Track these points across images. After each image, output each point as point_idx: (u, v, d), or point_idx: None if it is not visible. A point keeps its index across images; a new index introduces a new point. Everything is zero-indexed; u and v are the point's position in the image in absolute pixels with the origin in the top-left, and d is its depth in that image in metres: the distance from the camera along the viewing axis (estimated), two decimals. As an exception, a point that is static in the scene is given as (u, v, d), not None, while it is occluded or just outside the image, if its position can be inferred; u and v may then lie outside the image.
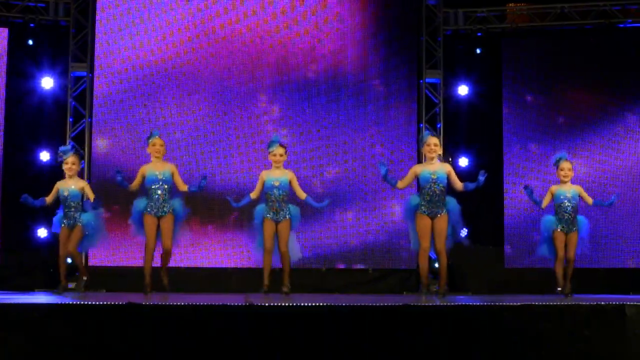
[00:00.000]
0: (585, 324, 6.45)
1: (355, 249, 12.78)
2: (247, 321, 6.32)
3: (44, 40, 12.88)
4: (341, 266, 12.79)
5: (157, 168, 9.40)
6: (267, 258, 9.42)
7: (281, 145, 9.55)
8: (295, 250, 9.69)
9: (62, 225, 9.63)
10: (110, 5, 12.68)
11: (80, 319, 6.25)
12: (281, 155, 9.50)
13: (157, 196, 9.32)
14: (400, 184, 9.31)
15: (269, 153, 9.59)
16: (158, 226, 9.36)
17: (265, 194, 9.47)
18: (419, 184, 9.19)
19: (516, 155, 13.05)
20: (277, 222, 9.42)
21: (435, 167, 9.11)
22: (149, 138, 9.54)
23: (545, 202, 9.95)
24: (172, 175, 9.44)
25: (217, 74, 12.81)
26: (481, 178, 9.10)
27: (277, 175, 9.48)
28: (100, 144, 12.64)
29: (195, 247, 12.47)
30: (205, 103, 12.78)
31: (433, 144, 9.16)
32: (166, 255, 9.45)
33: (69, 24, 12.74)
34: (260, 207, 9.52)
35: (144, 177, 9.42)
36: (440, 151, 9.30)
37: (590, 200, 9.95)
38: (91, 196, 9.72)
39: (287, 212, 9.46)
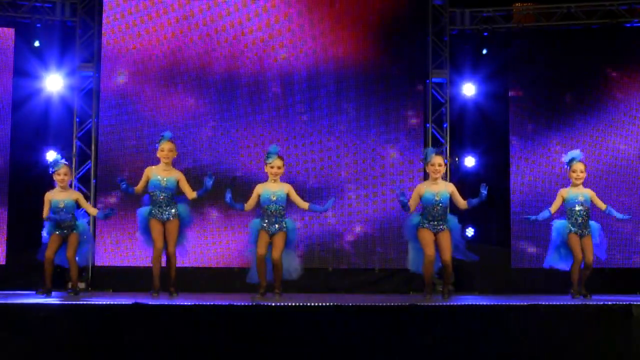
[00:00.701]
0: (592, 325, 6.53)
1: (361, 249, 12.78)
2: (254, 320, 6.35)
3: (51, 40, 12.90)
4: (347, 266, 12.79)
5: (162, 174, 9.29)
6: (261, 265, 9.20)
7: (279, 157, 9.32)
8: (293, 266, 9.50)
9: (53, 233, 9.59)
10: (116, 5, 12.70)
11: (87, 319, 6.32)
12: (279, 168, 9.26)
13: (159, 202, 9.23)
14: (411, 208, 9.35)
15: (266, 165, 9.32)
16: (164, 229, 9.28)
17: (262, 208, 9.26)
18: (423, 203, 9.27)
19: (522, 155, 13.04)
20: (272, 234, 9.20)
21: (439, 188, 9.18)
22: (159, 141, 9.43)
23: (555, 206, 9.79)
24: (178, 182, 9.34)
25: (223, 74, 12.82)
26: (484, 192, 9.13)
27: (274, 189, 9.24)
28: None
29: (201, 247, 12.49)
30: (212, 102, 12.80)
31: (437, 164, 9.22)
32: (170, 259, 9.32)
33: (75, 24, 12.79)
34: (256, 222, 9.33)
35: (148, 180, 9.35)
36: (444, 170, 9.32)
37: (603, 205, 9.80)
38: (87, 207, 9.73)
39: (283, 226, 9.24)
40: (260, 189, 9.27)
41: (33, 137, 12.76)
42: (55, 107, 12.82)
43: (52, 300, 7.39)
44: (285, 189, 9.28)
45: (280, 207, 9.20)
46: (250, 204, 9.32)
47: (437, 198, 9.10)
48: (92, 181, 12.48)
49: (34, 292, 9.88)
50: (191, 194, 9.38)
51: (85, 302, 6.74)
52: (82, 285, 11.88)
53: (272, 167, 9.24)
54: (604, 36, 13.04)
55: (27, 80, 12.73)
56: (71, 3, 12.81)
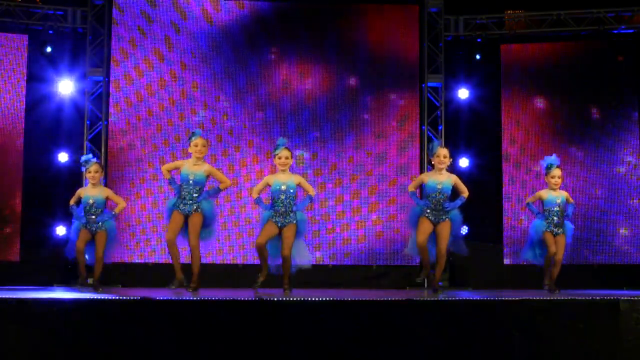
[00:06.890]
0: (581, 319, 6.67)
1: (360, 246, 12.99)
2: (256, 315, 6.55)
3: (62, 46, 13.14)
4: (347, 262, 12.99)
5: (192, 168, 9.25)
6: (261, 253, 9.22)
7: (287, 148, 9.27)
8: (304, 256, 9.48)
9: (82, 228, 9.74)
10: (125, 13, 12.94)
11: (96, 313, 6.50)
12: (287, 159, 9.21)
13: (185, 194, 9.21)
14: (411, 188, 9.70)
15: (275, 156, 9.28)
16: (184, 223, 9.27)
17: (272, 199, 9.22)
18: (425, 191, 9.53)
19: (514, 156, 13.29)
20: (282, 227, 9.19)
21: (442, 178, 9.44)
22: (190, 138, 9.35)
23: (531, 200, 10.17)
24: (210, 175, 9.31)
25: (228, 79, 13.07)
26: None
27: (284, 179, 9.21)
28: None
29: (205, 244, 12.71)
30: (217, 107, 13.05)
31: (443, 155, 9.47)
32: (192, 252, 9.26)
33: (85, 30, 13.01)
34: (268, 214, 9.26)
35: (177, 170, 9.37)
36: (448, 162, 9.54)
37: (571, 201, 10.16)
38: (118, 200, 9.89)
39: (294, 217, 9.20)
40: (270, 180, 9.25)
41: (45, 140, 12.98)
42: (67, 111, 13.08)
43: (63, 295, 7.60)
44: (295, 179, 9.26)
45: (291, 198, 9.19)
46: (255, 190, 9.34)
47: (439, 187, 9.36)
48: (102, 181, 12.72)
49: (47, 287, 10.04)
50: (226, 182, 9.45)
51: (94, 297, 6.86)
52: (89, 280, 12.19)
53: (279, 158, 9.22)
54: (592, 41, 13.32)
55: (40, 84, 12.98)
56: (82, 10, 13.04)
